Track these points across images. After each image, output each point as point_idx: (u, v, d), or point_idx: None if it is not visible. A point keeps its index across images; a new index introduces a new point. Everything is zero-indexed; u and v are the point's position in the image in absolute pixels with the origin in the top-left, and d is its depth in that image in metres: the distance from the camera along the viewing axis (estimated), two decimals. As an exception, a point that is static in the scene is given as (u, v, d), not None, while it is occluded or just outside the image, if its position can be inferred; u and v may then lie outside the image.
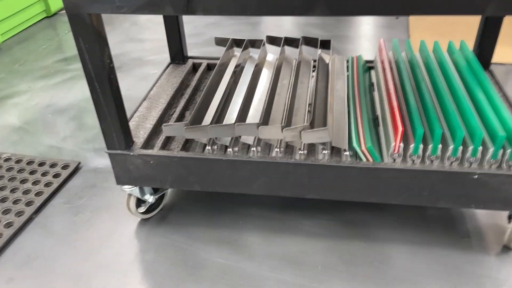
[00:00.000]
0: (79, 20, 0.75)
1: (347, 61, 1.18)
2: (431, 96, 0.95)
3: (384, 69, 1.06)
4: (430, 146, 0.81)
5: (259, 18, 2.21)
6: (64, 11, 2.34)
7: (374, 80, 1.13)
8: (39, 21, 2.22)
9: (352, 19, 2.14)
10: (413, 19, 2.03)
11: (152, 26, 2.16)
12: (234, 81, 1.08)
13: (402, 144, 0.83)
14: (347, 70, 1.14)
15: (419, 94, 0.95)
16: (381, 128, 0.95)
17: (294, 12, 0.69)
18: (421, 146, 0.82)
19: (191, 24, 2.16)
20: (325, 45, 1.18)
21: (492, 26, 1.07)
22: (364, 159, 0.86)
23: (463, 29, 1.89)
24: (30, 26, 2.16)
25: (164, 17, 1.20)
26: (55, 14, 2.28)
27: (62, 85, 1.64)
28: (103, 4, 0.73)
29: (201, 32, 2.07)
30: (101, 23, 0.78)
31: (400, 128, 0.81)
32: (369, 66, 1.20)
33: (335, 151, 0.91)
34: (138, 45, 1.96)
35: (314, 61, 1.20)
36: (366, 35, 1.97)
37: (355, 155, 0.89)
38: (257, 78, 1.09)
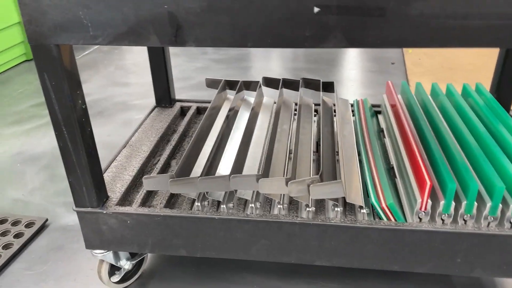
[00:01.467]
0: (44, 52, 0.62)
1: (352, 105, 1.07)
2: (455, 143, 0.83)
3: (396, 113, 0.95)
4: (464, 204, 0.68)
5: (250, 62, 2.13)
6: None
7: (383, 125, 1.02)
8: (18, 64, 2.10)
9: (344, 64, 2.07)
10: (410, 64, 1.98)
11: (138, 70, 2.06)
12: (227, 126, 0.95)
13: (430, 201, 0.69)
14: (353, 115, 1.03)
15: (440, 141, 0.84)
16: (398, 180, 0.82)
17: (305, 43, 0.58)
18: (453, 203, 0.69)
19: (178, 68, 2.06)
20: (327, 87, 1.08)
21: None
22: (384, 218, 0.72)
23: (462, 74, 1.83)
24: (8, 69, 2.04)
25: (150, 54, 1.09)
26: (36, 57, 2.17)
27: (36, 131, 1.49)
28: (74, 33, 0.60)
29: (189, 76, 1.97)
30: (72, 57, 0.66)
31: (428, 183, 0.68)
32: (375, 111, 1.09)
33: (348, 207, 0.77)
34: (123, 89, 1.84)
35: (315, 104, 1.09)
36: (361, 80, 1.89)
37: (372, 213, 0.75)
38: (254, 123, 0.97)
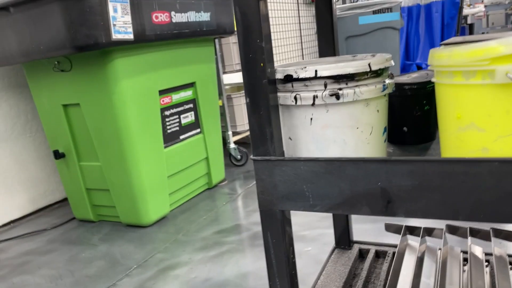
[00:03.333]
0: (270, 216, 0.76)
1: (557, 261, 0.97)
2: None
3: None
4: None
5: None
6: (222, 183, 2.58)
7: None
8: (201, 192, 2.45)
9: None
10: None
11: (303, 199, 2.21)
12: (416, 278, 0.95)
13: None
14: (561, 273, 0.93)
15: None
16: None
17: (521, 220, 0.59)
18: None
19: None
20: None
21: None
22: None
23: None
24: (194, 197, 2.39)
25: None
26: (215, 186, 2.51)
27: (219, 259, 1.68)
28: (297, 202, 0.73)
29: (353, 208, 2.02)
30: (289, 219, 0.78)
31: None
32: None
33: None
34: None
35: (509, 256, 1.02)
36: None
37: None
38: (444, 277, 0.95)
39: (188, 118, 2.25)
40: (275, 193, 0.74)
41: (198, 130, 2.33)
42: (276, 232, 0.76)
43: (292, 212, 2.05)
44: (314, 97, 0.70)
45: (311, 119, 0.72)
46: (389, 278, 0.93)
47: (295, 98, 0.72)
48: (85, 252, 1.86)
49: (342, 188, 0.69)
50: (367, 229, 1.78)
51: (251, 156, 0.74)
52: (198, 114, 2.32)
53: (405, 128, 0.94)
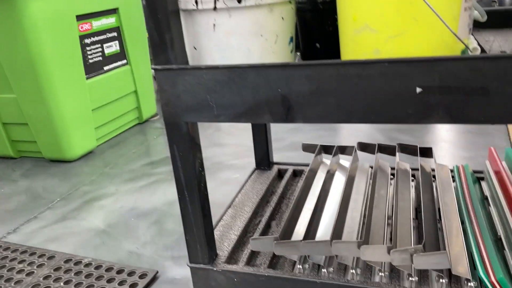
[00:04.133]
0: (175, 128, 0.74)
1: (452, 171, 1.06)
2: None
3: (502, 181, 0.92)
4: None
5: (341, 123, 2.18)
6: (154, 118, 2.51)
7: (487, 193, 0.99)
8: (132, 127, 2.38)
9: (439, 124, 2.03)
10: (512, 125, 1.88)
11: (235, 131, 2.22)
12: (324, 190, 1.00)
13: (546, 277, 0.66)
14: (454, 181, 1.02)
15: (554, 212, 0.80)
16: (507, 252, 0.79)
17: (408, 120, 0.62)
18: None
19: (271, 129, 2.18)
20: (425, 152, 1.08)
21: None
22: (495, 293, 0.69)
23: None
24: (123, 131, 2.32)
25: (252, 123, 1.20)
26: (146, 121, 2.45)
27: (147, 189, 1.67)
28: (201, 113, 0.71)
29: (282, 137, 2.07)
30: (197, 131, 0.77)
31: (543, 257, 0.65)
32: (477, 177, 1.06)
33: (454, 279, 0.76)
34: (220, 150, 1.99)
35: (412, 169, 1.10)
36: (458, 142, 1.84)
37: (480, 286, 0.73)
38: (350, 188, 1.00)
39: (112, 47, 2.12)
40: (179, 104, 0.72)
41: (124, 61, 2.22)
42: (182, 145, 0.75)
43: (221, 142, 2.07)
44: (215, 0, 0.67)
45: (214, 25, 0.70)
46: (300, 193, 0.97)
47: (196, 1, 0.68)
48: (5, 188, 1.77)
49: (245, 96, 0.68)
50: (293, 156, 1.84)
51: (152, 66, 0.70)
52: (123, 44, 2.19)
53: (317, 44, 0.94)
